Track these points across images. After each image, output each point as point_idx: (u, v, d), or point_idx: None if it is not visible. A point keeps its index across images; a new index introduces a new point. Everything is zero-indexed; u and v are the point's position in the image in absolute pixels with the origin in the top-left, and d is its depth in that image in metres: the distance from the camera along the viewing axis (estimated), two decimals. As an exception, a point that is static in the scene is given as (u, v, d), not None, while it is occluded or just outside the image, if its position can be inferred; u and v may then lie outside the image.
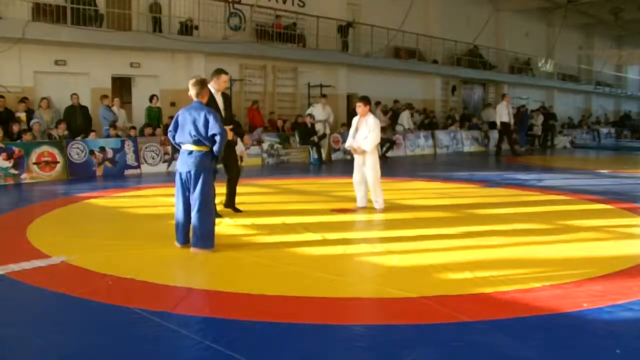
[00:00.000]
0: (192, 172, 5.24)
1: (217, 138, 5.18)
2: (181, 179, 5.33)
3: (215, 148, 5.23)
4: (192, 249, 5.30)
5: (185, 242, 5.41)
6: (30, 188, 9.82)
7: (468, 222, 6.89)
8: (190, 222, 5.35)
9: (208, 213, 5.28)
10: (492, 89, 26.26)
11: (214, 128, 5.16)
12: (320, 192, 9.83)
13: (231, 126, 6.79)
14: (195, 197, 5.24)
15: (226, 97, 7.29)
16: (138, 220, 7.03)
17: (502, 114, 17.50)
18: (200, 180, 5.22)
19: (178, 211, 5.41)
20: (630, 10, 25.09)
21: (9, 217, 7.20)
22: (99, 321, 3.74)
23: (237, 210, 7.41)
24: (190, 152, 5.27)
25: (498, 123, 17.69)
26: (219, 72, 7.16)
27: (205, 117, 5.18)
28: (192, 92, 5.38)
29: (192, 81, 5.42)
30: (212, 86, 7.10)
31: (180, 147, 5.41)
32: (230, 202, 7.47)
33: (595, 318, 3.78)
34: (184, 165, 5.30)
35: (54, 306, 4.07)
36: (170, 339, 3.46)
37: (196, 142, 5.24)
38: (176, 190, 5.40)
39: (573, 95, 31.69)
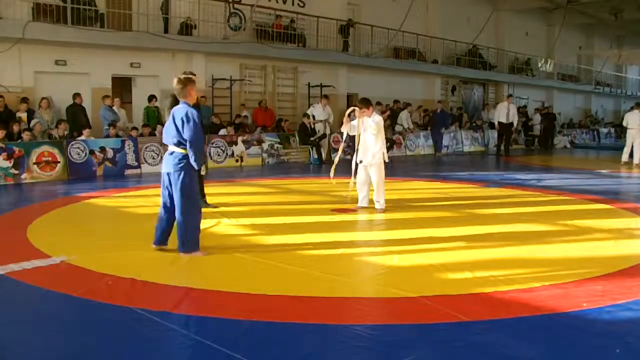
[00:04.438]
0: (172, 173, 5.15)
1: (188, 145, 5.05)
2: (164, 180, 5.27)
3: (190, 158, 5.08)
4: (181, 254, 5.22)
5: (160, 242, 5.33)
6: (31, 188, 9.82)
7: (468, 222, 6.89)
8: (170, 224, 5.32)
9: (191, 215, 5.17)
10: (492, 89, 26.27)
11: (186, 133, 5.04)
12: (320, 192, 9.83)
13: None
14: (177, 199, 5.15)
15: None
16: (138, 220, 7.03)
17: (501, 114, 17.46)
18: (181, 182, 5.11)
19: (160, 212, 5.36)
20: (630, 10, 25.07)
21: (9, 217, 7.20)
22: (99, 321, 3.74)
23: (212, 207, 7.48)
24: (172, 153, 5.20)
25: (496, 123, 17.65)
26: (184, 74, 7.08)
27: (183, 120, 5.05)
28: (175, 91, 5.27)
29: (175, 79, 5.26)
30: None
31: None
32: (203, 202, 7.48)
33: (595, 318, 3.79)
34: (166, 166, 5.24)
35: (54, 306, 4.07)
36: (170, 339, 3.46)
37: (177, 144, 5.15)
38: (161, 191, 5.36)
39: (573, 95, 31.69)
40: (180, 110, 5.16)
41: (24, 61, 12.32)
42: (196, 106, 5.35)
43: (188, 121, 5.06)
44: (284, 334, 3.50)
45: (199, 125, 5.15)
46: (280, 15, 16.79)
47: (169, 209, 5.27)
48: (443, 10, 22.62)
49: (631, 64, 36.18)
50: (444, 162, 16.04)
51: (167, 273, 4.83)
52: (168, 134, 5.23)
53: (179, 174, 5.12)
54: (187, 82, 5.24)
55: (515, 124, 17.96)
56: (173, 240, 5.47)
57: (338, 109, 17.91)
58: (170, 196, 5.23)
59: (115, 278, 4.54)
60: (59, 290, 4.29)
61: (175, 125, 5.12)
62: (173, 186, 5.16)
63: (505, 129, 17.67)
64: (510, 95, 18.11)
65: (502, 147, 17.87)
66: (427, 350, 3.30)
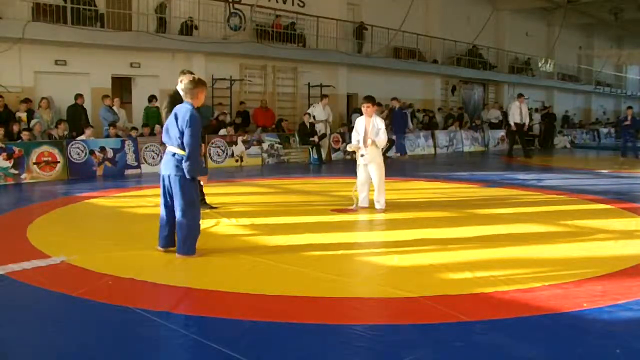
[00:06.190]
0: (173, 175, 5.04)
1: (186, 153, 4.90)
2: (164, 182, 5.15)
3: (185, 167, 4.94)
4: (177, 255, 5.15)
5: (165, 245, 5.24)
6: (30, 188, 9.82)
7: (468, 222, 6.88)
8: (172, 226, 5.20)
9: (192, 217, 5.08)
10: (492, 89, 26.28)
11: (186, 139, 4.91)
12: (320, 192, 9.83)
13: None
14: (177, 202, 5.05)
15: None
16: (138, 220, 7.02)
17: (515, 114, 17.11)
18: (182, 184, 5.00)
19: (161, 214, 5.26)
20: (630, 10, 25.11)
21: (9, 217, 7.19)
22: (99, 321, 3.74)
23: (212, 207, 7.45)
24: (174, 154, 5.06)
25: (512, 123, 17.22)
26: (184, 72, 6.68)
27: (186, 122, 4.89)
28: (184, 89, 5.07)
29: (188, 76, 5.06)
30: (179, 87, 6.96)
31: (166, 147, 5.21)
32: (203, 203, 7.45)
33: (595, 318, 3.78)
34: (166, 167, 5.11)
35: (54, 306, 4.07)
36: (170, 339, 3.46)
37: (180, 145, 5.00)
38: (161, 193, 5.23)
39: (573, 95, 31.71)
40: (184, 111, 4.98)
41: (24, 61, 12.35)
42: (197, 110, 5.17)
43: (191, 128, 4.89)
44: (284, 334, 3.50)
45: (199, 134, 5.00)
46: (280, 15, 16.80)
47: (170, 210, 5.17)
48: (443, 10, 22.65)
49: (631, 64, 36.23)
50: (406, 166, 14.82)
51: (167, 273, 4.82)
52: (170, 133, 5.07)
53: (181, 176, 5.01)
54: (199, 83, 5.10)
55: (527, 124, 17.64)
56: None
57: (338, 109, 17.93)
58: (171, 198, 5.12)
59: (115, 278, 4.53)
60: (59, 290, 4.28)
61: (178, 126, 4.97)
62: (174, 188, 5.06)
63: (519, 129, 17.38)
64: (521, 95, 17.65)
65: (527, 146, 17.44)
66: (427, 350, 3.30)
